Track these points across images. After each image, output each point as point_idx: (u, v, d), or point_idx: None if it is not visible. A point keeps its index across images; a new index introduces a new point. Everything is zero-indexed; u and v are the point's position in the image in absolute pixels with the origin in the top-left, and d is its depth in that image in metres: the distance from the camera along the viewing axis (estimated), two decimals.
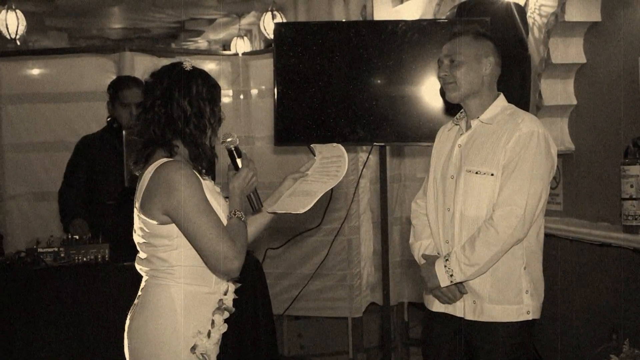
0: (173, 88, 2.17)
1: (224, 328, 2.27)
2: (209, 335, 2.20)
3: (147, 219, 2.14)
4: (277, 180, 2.57)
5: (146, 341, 2.16)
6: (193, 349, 2.16)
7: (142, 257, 2.22)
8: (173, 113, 2.16)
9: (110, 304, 3.30)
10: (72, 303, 3.51)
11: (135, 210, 2.21)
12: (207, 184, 2.22)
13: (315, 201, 2.26)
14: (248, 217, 2.39)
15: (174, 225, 2.12)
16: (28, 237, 4.41)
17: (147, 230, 2.16)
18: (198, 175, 2.17)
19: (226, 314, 2.28)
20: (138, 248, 2.23)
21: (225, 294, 2.27)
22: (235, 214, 2.19)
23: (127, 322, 2.23)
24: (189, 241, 2.12)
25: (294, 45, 3.69)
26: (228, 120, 2.31)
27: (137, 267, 2.25)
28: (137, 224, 2.21)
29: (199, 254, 2.13)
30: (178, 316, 2.15)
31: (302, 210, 2.25)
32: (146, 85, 2.23)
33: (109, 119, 4.12)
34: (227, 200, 2.27)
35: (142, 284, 2.24)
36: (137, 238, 2.22)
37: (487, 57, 2.60)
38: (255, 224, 2.44)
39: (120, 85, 4.04)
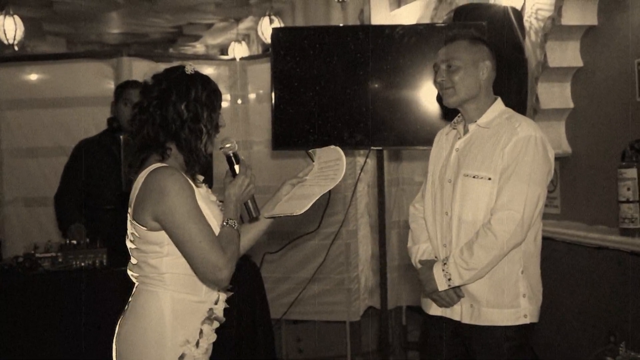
0: (171, 90, 2.14)
1: (213, 338, 2.24)
2: (197, 344, 2.17)
3: (138, 225, 2.12)
4: (275, 184, 2.57)
5: (133, 348, 2.14)
6: (181, 357, 2.13)
7: (133, 263, 2.20)
8: (168, 115, 2.13)
9: (108, 309, 3.29)
10: (70, 308, 3.51)
11: (128, 215, 2.19)
12: (200, 191, 2.19)
13: (312, 203, 2.25)
14: (244, 224, 2.38)
15: (164, 232, 2.09)
16: (26, 242, 4.40)
17: (138, 236, 2.14)
18: (191, 182, 2.14)
19: (216, 324, 2.24)
20: (130, 253, 2.21)
21: (215, 303, 2.24)
22: (227, 223, 2.16)
23: (117, 328, 2.21)
24: (178, 248, 2.09)
25: (291, 50, 3.70)
26: (226, 125, 2.29)
27: (129, 272, 2.23)
28: (129, 229, 2.19)
29: (187, 262, 2.10)
30: (166, 324, 2.12)
31: (298, 212, 2.24)
32: (145, 87, 2.21)
33: (109, 118, 4.17)
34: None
35: (133, 290, 2.22)
36: (129, 243, 2.20)
37: (483, 62, 2.61)
38: (253, 231, 2.41)
39: (125, 85, 4.12)
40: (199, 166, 2.22)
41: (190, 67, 2.20)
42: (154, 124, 2.15)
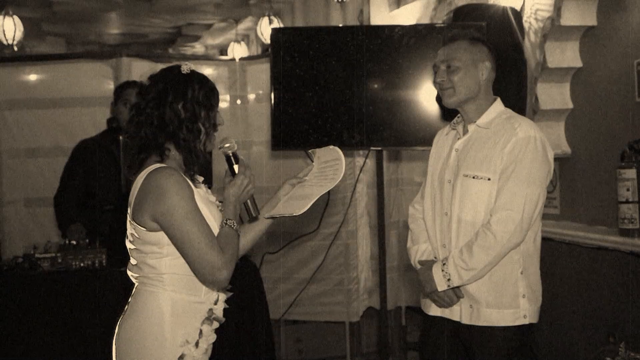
0: (168, 90, 2.14)
1: (212, 338, 2.23)
2: (197, 345, 2.16)
3: (138, 225, 2.12)
4: (274, 185, 2.58)
5: (132, 349, 2.13)
6: (180, 358, 2.13)
7: (133, 264, 2.20)
8: (165, 116, 2.13)
9: (108, 310, 3.30)
10: (70, 308, 3.51)
11: (127, 215, 2.19)
12: (199, 191, 2.18)
13: (311, 203, 2.24)
14: (244, 224, 2.38)
15: (163, 232, 2.09)
16: (25, 242, 4.41)
17: (137, 237, 2.14)
18: (190, 183, 2.14)
19: (215, 324, 2.24)
20: (129, 254, 2.21)
21: (215, 303, 2.23)
22: (227, 223, 2.15)
23: (116, 328, 2.20)
24: (177, 249, 2.09)
25: (290, 50, 3.70)
26: (225, 125, 2.29)
27: (128, 273, 2.23)
28: (128, 229, 2.18)
29: (186, 263, 2.10)
30: (165, 324, 2.12)
31: (298, 212, 2.24)
32: (142, 87, 2.20)
33: (109, 119, 4.17)
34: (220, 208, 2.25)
35: (133, 291, 2.22)
36: (129, 244, 2.20)
37: (483, 62, 2.61)
38: (253, 231, 2.40)
39: (124, 85, 4.13)
40: (198, 166, 2.21)
41: (186, 66, 2.19)
42: (151, 124, 2.14)
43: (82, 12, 8.04)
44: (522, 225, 2.46)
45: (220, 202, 2.26)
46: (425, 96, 3.65)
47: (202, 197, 2.19)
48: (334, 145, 2.42)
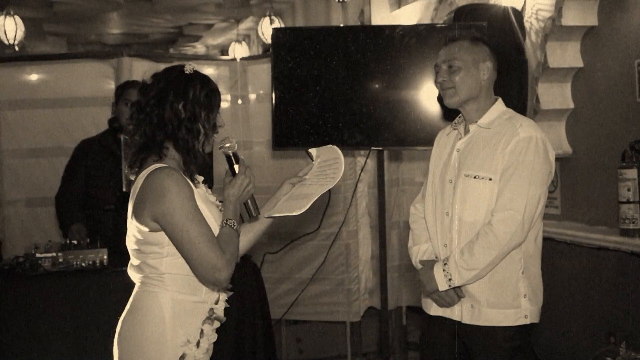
0: (169, 90, 2.13)
1: (213, 337, 2.23)
2: (198, 344, 2.17)
3: (139, 225, 2.12)
4: (275, 184, 2.57)
5: (134, 349, 2.14)
6: (182, 358, 2.13)
7: (134, 264, 2.20)
8: (165, 114, 2.12)
9: (109, 309, 3.29)
10: (71, 308, 3.51)
11: (128, 215, 2.19)
12: (199, 191, 2.18)
13: (311, 203, 2.24)
14: (244, 224, 2.38)
15: (164, 232, 2.09)
16: (26, 242, 4.41)
17: (138, 237, 2.14)
18: (190, 182, 2.14)
19: (217, 324, 2.24)
20: (130, 254, 2.21)
21: (216, 303, 2.24)
22: (227, 223, 2.15)
23: (118, 328, 2.20)
24: (177, 249, 2.09)
25: (291, 50, 3.70)
26: (226, 125, 2.29)
27: (129, 273, 2.23)
28: (129, 230, 2.18)
29: (187, 263, 2.10)
30: (166, 324, 2.12)
31: (298, 212, 2.24)
32: (144, 86, 2.20)
33: (110, 119, 4.18)
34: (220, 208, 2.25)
35: (134, 291, 2.22)
36: (129, 244, 2.19)
37: (484, 62, 2.61)
38: (253, 231, 2.40)
39: (125, 85, 4.13)
40: (196, 166, 2.21)
41: (189, 66, 2.19)
42: (150, 123, 2.14)
43: (83, 12, 8.05)
44: (523, 226, 2.46)
45: (220, 202, 2.26)
46: (426, 96, 3.65)
47: (202, 197, 2.19)
48: (335, 145, 2.43)
